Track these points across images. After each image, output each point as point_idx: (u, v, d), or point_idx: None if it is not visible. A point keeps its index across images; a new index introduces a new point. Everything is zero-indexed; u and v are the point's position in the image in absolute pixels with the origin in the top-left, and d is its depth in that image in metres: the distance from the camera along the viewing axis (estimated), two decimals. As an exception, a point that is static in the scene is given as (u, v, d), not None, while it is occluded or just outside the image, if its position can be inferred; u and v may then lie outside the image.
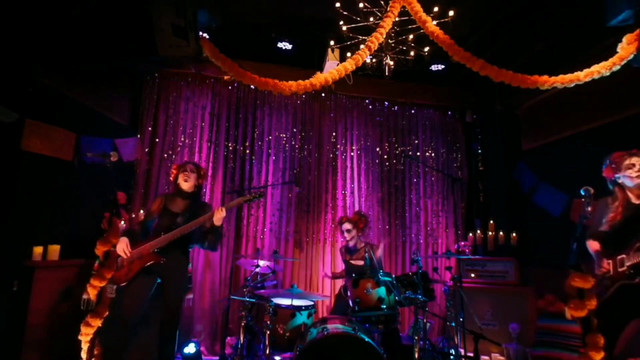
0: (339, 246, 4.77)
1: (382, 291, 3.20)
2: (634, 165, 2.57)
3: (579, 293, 2.45)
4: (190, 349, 3.75)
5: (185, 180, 3.12)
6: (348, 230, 4.03)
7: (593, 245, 2.64)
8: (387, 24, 3.05)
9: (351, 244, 4.07)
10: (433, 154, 5.65)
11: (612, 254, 2.52)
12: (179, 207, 3.10)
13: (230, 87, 5.12)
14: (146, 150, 4.71)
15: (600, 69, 2.97)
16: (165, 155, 4.78)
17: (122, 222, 3.95)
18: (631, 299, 2.41)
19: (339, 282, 4.39)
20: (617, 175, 2.63)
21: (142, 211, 4.40)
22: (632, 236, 2.47)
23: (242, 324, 3.44)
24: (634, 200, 2.58)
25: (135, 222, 3.11)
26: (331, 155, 5.33)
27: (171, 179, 3.24)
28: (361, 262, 3.90)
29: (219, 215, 2.96)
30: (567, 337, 3.84)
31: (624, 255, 2.47)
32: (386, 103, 5.60)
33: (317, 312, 4.29)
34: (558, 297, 4.04)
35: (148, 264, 2.83)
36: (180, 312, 3.04)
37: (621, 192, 2.63)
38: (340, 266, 4.57)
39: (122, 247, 2.82)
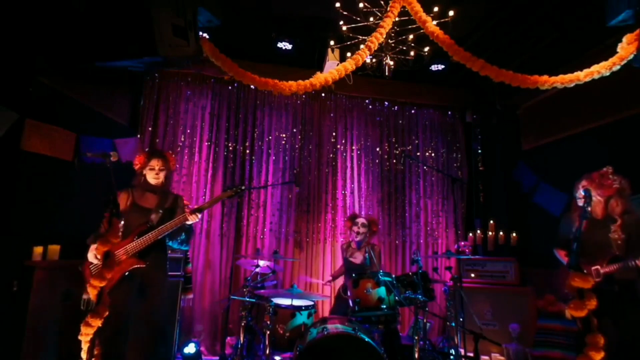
0: (339, 245, 4.77)
1: (382, 291, 3.20)
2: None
3: (579, 293, 2.47)
4: (190, 349, 3.75)
5: (155, 178, 2.88)
6: (364, 224, 4.04)
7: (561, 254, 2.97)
8: (387, 24, 3.05)
9: (358, 238, 4.06)
10: (433, 154, 5.65)
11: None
12: (150, 202, 2.85)
13: (230, 87, 5.12)
14: (146, 150, 4.71)
15: (600, 69, 2.98)
16: (165, 155, 4.78)
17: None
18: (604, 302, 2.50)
19: (339, 282, 4.38)
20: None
21: None
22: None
23: (242, 324, 3.44)
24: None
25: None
26: (331, 155, 5.33)
27: (136, 169, 2.92)
28: (360, 260, 3.91)
29: (194, 218, 2.76)
30: (567, 337, 3.84)
31: (597, 267, 2.68)
32: (386, 103, 5.60)
33: (317, 312, 4.29)
34: (558, 297, 4.04)
35: (129, 270, 2.63)
36: (164, 311, 2.85)
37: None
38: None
39: (92, 254, 2.63)
